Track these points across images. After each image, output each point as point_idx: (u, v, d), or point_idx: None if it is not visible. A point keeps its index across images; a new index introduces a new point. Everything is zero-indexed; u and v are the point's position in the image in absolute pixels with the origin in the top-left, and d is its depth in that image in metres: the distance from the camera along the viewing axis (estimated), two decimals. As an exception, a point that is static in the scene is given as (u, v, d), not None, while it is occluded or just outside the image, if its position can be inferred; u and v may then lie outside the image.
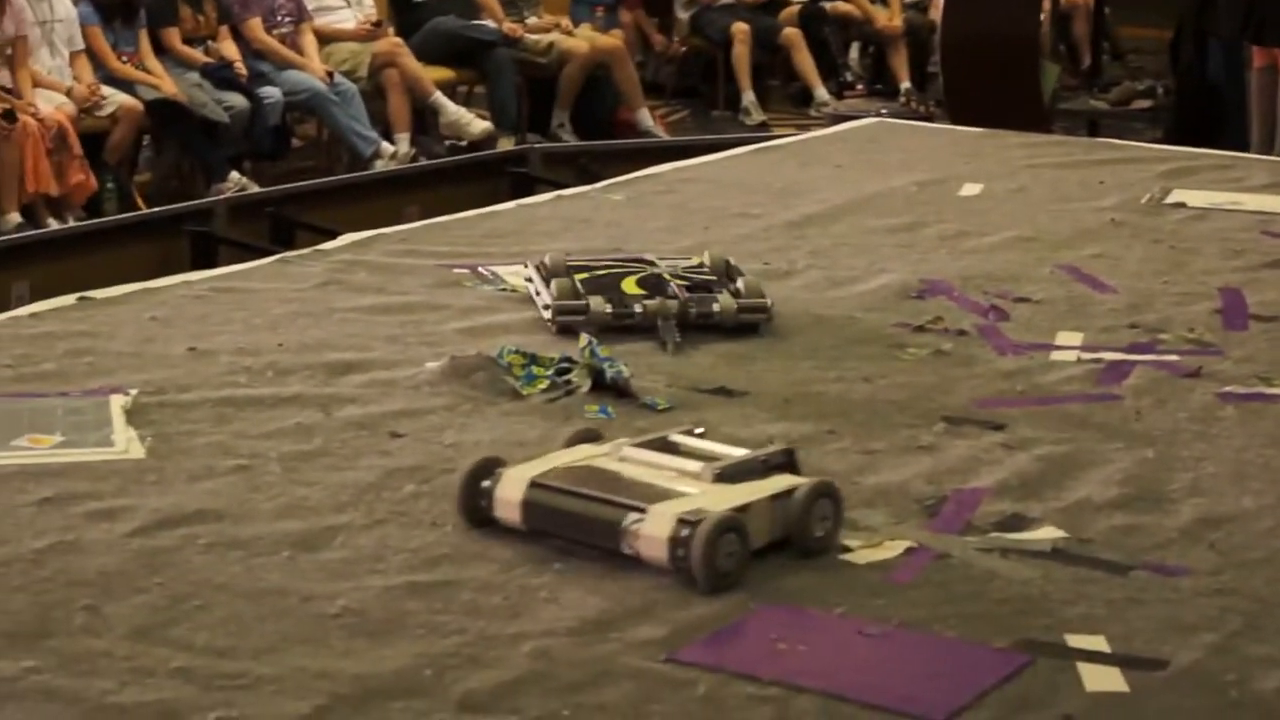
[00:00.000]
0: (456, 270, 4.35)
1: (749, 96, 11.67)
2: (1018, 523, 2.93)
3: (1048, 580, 2.73)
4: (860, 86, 12.14)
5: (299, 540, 2.80)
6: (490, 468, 2.87)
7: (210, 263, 6.20)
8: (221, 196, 8.14)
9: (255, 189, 8.53)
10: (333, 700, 2.32)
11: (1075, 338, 3.93)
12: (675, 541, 2.66)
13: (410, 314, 3.98)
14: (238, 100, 8.89)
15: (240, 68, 9.02)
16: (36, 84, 8.28)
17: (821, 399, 3.51)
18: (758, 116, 11.54)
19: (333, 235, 4.83)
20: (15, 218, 7.89)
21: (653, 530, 2.68)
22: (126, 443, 3.14)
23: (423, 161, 9.28)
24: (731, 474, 2.83)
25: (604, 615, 2.58)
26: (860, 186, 5.37)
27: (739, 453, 2.92)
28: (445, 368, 3.54)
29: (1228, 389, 3.57)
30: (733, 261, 4.11)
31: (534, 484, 2.82)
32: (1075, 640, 2.54)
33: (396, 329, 3.87)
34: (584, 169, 8.25)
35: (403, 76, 9.76)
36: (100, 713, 2.28)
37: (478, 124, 10.00)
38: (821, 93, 11.85)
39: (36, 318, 3.86)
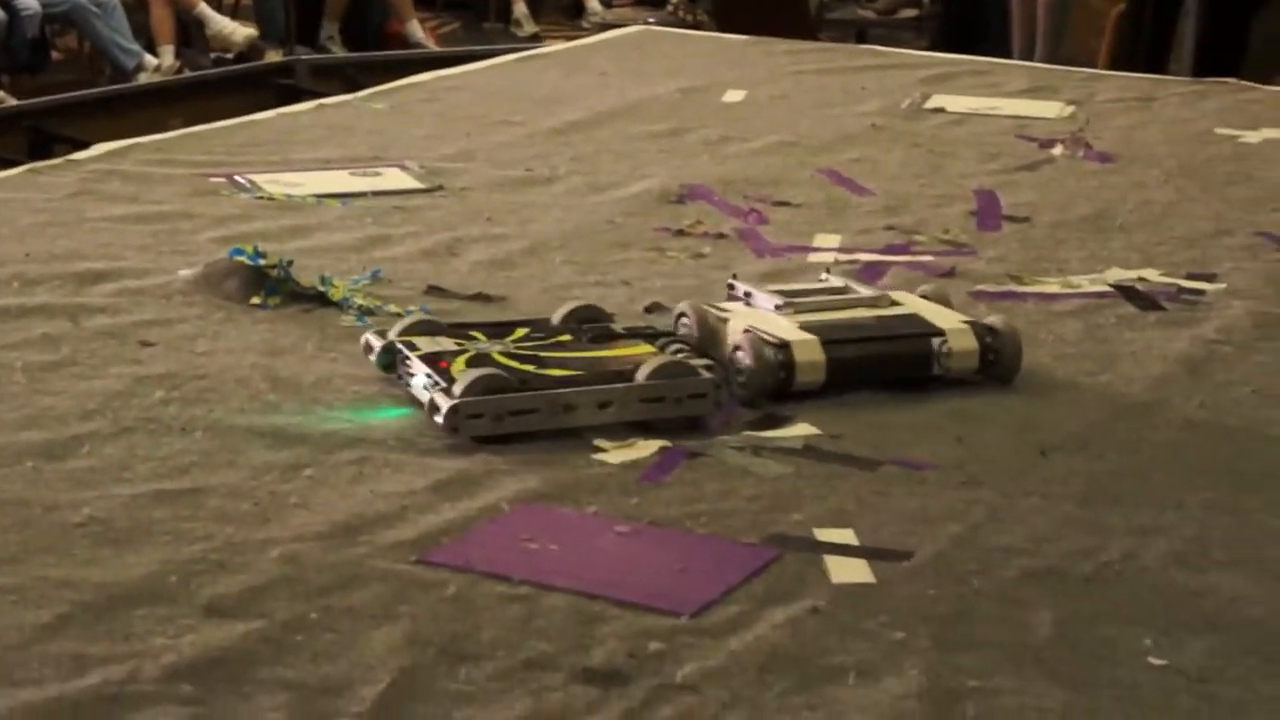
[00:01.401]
0: (213, 179, 4.28)
1: (520, 8, 11.62)
2: (771, 421, 2.96)
3: (799, 477, 2.76)
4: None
5: (43, 450, 2.75)
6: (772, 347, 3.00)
7: (-35, 176, 6.06)
8: (-24, 109, 7.94)
9: (13, 103, 8.34)
10: (75, 608, 2.28)
11: (833, 240, 3.96)
12: (985, 348, 3.10)
13: (164, 223, 3.92)
14: (-6, 10, 8.68)
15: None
16: None
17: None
18: (529, 28, 11.48)
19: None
20: None
21: (963, 345, 3.07)
22: None
23: (187, 74, 9.13)
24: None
25: (354, 519, 2.56)
26: (624, 93, 5.36)
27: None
28: (198, 275, 3.49)
29: (980, 287, 3.62)
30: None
31: (829, 342, 3.04)
32: (823, 534, 2.57)
33: (149, 238, 3.80)
34: (351, 80, 8.16)
35: (166, -13, 9.59)
36: None
37: (241, 31, 9.87)
38: (594, 4, 11.83)
39: None
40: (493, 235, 3.93)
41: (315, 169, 4.42)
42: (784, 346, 3.01)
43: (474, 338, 3.08)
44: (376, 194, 4.21)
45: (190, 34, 9.88)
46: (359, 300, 3.42)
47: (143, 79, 8.99)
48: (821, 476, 2.76)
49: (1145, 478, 2.78)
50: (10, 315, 3.29)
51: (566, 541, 2.54)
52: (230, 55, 9.67)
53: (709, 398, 2.92)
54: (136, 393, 2.98)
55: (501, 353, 3.01)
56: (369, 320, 3.33)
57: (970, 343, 3.10)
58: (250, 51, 9.77)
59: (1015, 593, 2.41)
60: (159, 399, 2.95)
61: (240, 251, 3.48)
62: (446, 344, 3.04)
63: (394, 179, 4.34)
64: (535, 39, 10.82)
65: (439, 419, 2.82)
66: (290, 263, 3.48)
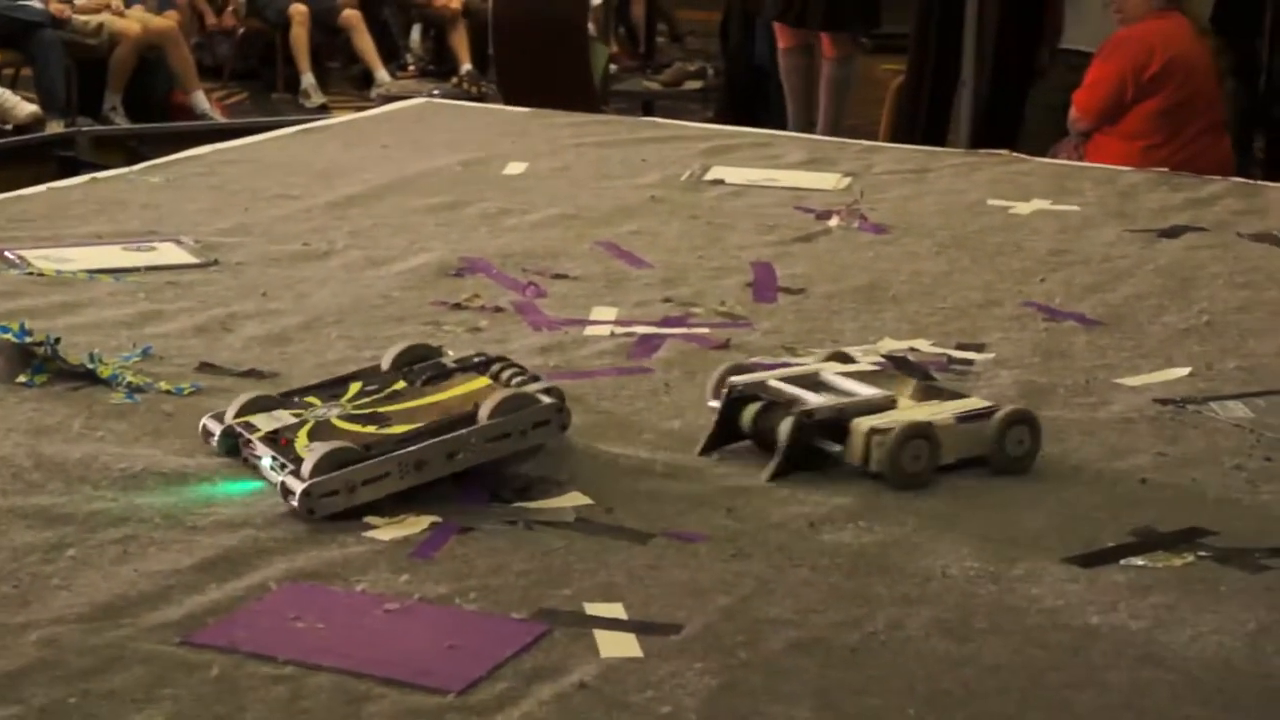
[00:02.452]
0: (-19, 254, 4.22)
1: (308, 79, 11.61)
2: (543, 491, 2.96)
3: (570, 550, 2.76)
4: (412, 68, 12.15)
5: None
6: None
7: None
8: None
9: None
10: None
11: (610, 313, 3.98)
12: None
13: (-70, 300, 3.85)
14: None
15: None
16: None
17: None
18: (317, 99, 11.48)
19: None
20: None
21: None
22: None
23: (-36, 146, 8.99)
24: None
25: (117, 600, 2.53)
26: (404, 166, 5.36)
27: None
28: (-39, 354, 3.43)
29: (753, 360, 3.65)
30: None
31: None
32: (593, 609, 2.57)
33: (-86, 315, 3.74)
34: (134, 152, 8.09)
35: (-58, 58, 9.46)
36: None
37: (24, 107, 9.76)
38: (383, 74, 11.85)
39: None
40: (268, 310, 3.90)
41: (88, 244, 4.36)
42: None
43: (310, 404, 3.05)
44: (150, 269, 4.17)
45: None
46: (129, 377, 3.38)
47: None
48: (593, 550, 2.76)
49: (911, 547, 2.81)
50: None
51: (334, 620, 2.52)
52: (9, 127, 9.54)
53: (553, 423, 2.95)
54: (-104, 474, 2.92)
55: (340, 416, 2.99)
56: (138, 398, 3.29)
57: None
58: (31, 124, 9.66)
59: (781, 664, 2.43)
60: (-81, 481, 2.90)
61: (6, 329, 3.43)
62: (285, 417, 3.01)
63: (168, 254, 4.30)
64: (323, 110, 10.81)
65: (294, 503, 2.80)
66: (58, 340, 3.43)
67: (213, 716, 2.25)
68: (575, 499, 2.93)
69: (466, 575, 2.66)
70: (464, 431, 2.91)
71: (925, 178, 5.44)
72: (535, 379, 3.09)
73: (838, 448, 3.06)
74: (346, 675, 2.36)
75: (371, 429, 2.96)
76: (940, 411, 3.11)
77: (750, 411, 3.13)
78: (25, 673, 2.32)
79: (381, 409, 3.03)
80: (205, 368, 3.51)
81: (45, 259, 4.19)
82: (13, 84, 10.17)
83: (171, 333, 3.72)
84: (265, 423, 3.01)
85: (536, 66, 8.47)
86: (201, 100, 10.66)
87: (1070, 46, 7.50)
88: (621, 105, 9.77)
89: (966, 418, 3.09)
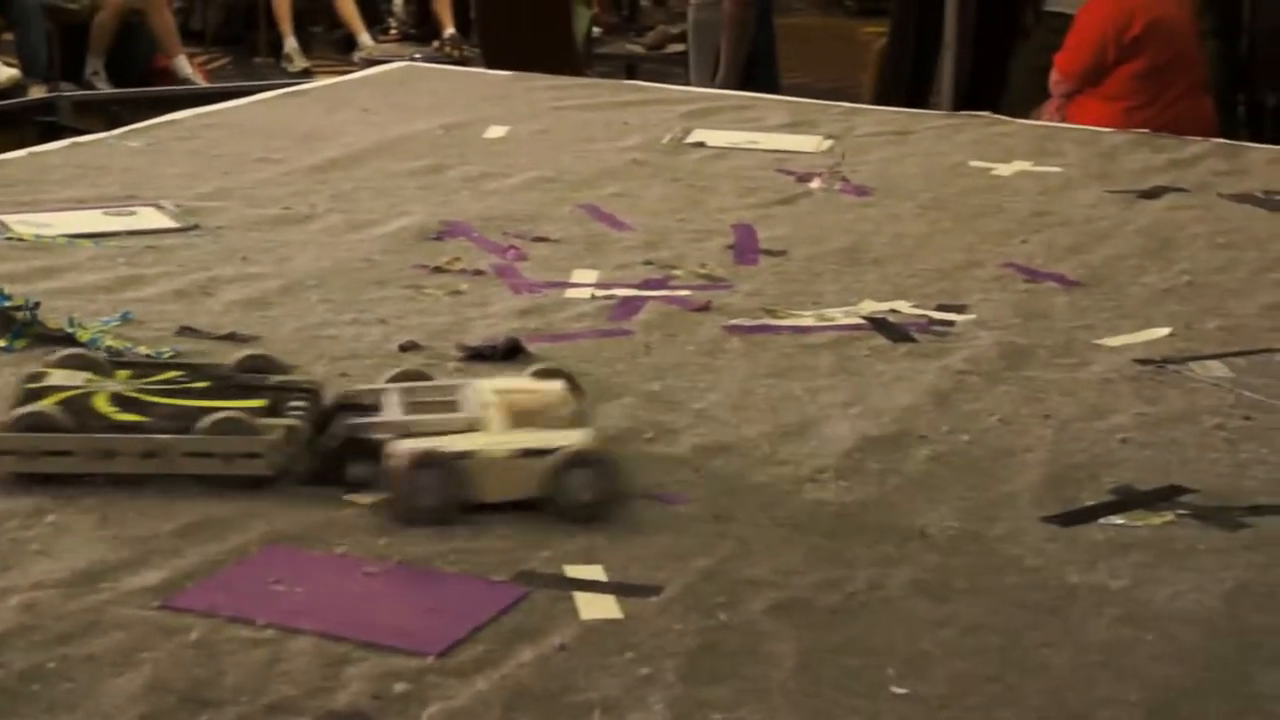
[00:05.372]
0: (-54, 221, 4.21)
1: (290, 43, 11.57)
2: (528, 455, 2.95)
3: (550, 514, 2.76)
4: (395, 31, 12.12)
5: None
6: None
7: None
8: None
9: None
10: None
11: (590, 275, 3.98)
12: None
13: (-92, 265, 3.84)
14: None
15: None
16: None
17: (335, 342, 3.48)
18: (300, 63, 11.44)
19: None
20: None
21: None
22: None
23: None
24: None
25: (96, 565, 2.53)
26: (385, 130, 5.34)
27: None
28: (-61, 320, 3.42)
29: (734, 322, 3.66)
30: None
31: None
32: (573, 571, 2.57)
33: (-108, 280, 3.73)
34: (115, 117, 8.07)
35: (-77, 23, 9.42)
36: None
37: (4, 72, 9.72)
38: (365, 39, 11.81)
39: None
40: (248, 275, 3.89)
41: (67, 209, 4.35)
42: None
43: (113, 375, 3.01)
44: (130, 234, 4.16)
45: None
46: (108, 342, 3.37)
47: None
48: (577, 512, 2.76)
49: (891, 508, 2.82)
50: None
51: (314, 583, 2.52)
52: (-10, 92, 9.53)
53: (265, 459, 2.79)
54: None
55: (111, 394, 2.93)
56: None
57: None
58: (12, 88, 9.63)
59: (761, 625, 2.43)
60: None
61: (-16, 294, 3.43)
62: (77, 379, 2.97)
63: (148, 218, 4.29)
64: (306, 74, 10.77)
65: None
66: (37, 304, 3.42)
67: (192, 680, 2.25)
68: (555, 461, 2.93)
69: (446, 538, 2.66)
70: (166, 436, 2.81)
71: (907, 140, 5.44)
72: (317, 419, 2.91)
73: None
74: (326, 638, 2.36)
75: (131, 416, 2.86)
76: (500, 443, 2.76)
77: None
78: (4, 637, 2.32)
79: (151, 398, 2.94)
80: (185, 331, 3.50)
81: (24, 223, 4.18)
82: (-6, 49, 10.14)
83: (151, 297, 3.71)
84: (61, 378, 2.96)
85: (519, 30, 8.44)
86: (184, 65, 10.62)
87: (1054, 9, 7.49)
88: (604, 69, 9.75)
89: (529, 453, 2.74)
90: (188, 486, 2.77)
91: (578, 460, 2.73)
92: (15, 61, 9.94)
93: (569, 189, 4.72)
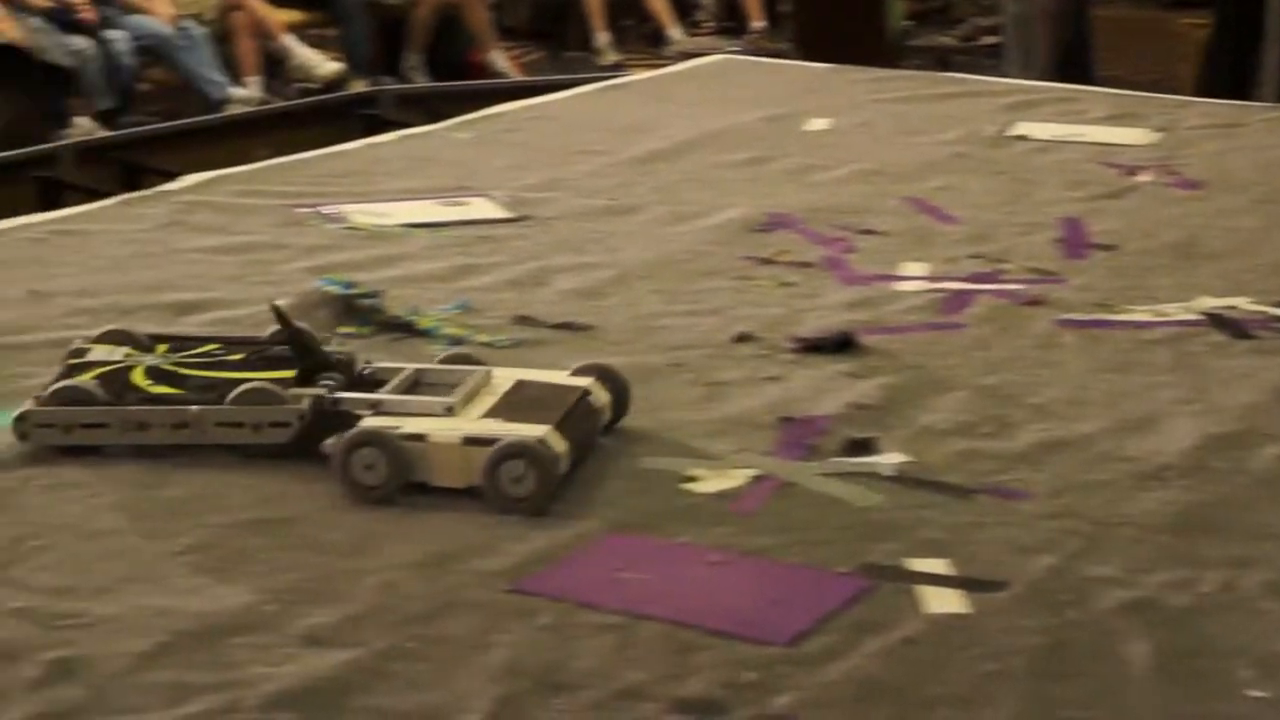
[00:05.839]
0: (300, 210, 4.31)
1: (602, 37, 11.67)
2: (863, 449, 2.95)
3: (891, 505, 2.75)
4: (709, 25, 12.17)
5: (138, 480, 2.77)
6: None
7: (57, 208, 6.12)
8: (66, 141, 8.03)
9: (103, 134, 8.43)
10: (174, 637, 2.30)
11: (920, 268, 3.96)
12: None
13: (254, 253, 3.95)
14: (83, 45, 8.77)
15: (87, 12, 8.89)
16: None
17: (669, 332, 3.51)
18: (611, 57, 11.54)
19: (180, 179, 4.78)
20: None
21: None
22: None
23: (274, 104, 9.21)
24: None
25: (446, 549, 2.58)
26: (707, 122, 5.37)
27: None
28: (289, 306, 3.50)
29: (1067, 316, 3.61)
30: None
31: None
32: (916, 564, 2.56)
33: (240, 269, 3.84)
34: (435, 110, 8.21)
35: (250, 19, 9.67)
36: (-64, 655, 2.25)
37: (328, 66, 9.95)
38: (675, 32, 11.87)
39: None
40: (579, 265, 3.94)
41: (401, 199, 4.45)
42: None
43: (151, 350, 3.07)
44: (463, 224, 4.24)
45: (275, 65, 9.96)
46: (448, 329, 3.44)
47: (230, 111, 9.07)
48: (913, 505, 2.75)
49: (1241, 507, 2.76)
50: (105, 345, 3.32)
51: (658, 571, 2.55)
52: (315, 86, 9.75)
53: (292, 427, 2.83)
54: (230, 422, 3.00)
55: (148, 368, 2.99)
56: (456, 350, 3.35)
57: None
58: (335, 83, 9.85)
59: (1111, 624, 2.40)
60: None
61: (331, 282, 3.51)
62: (117, 355, 3.03)
63: (480, 208, 4.37)
64: (617, 68, 10.85)
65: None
66: (381, 292, 3.50)
67: (544, 663, 2.28)
68: (895, 456, 2.92)
69: (786, 529, 2.67)
70: (195, 408, 2.85)
71: (1237, 132, 5.32)
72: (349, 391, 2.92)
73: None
74: (673, 625, 2.38)
75: (162, 388, 2.93)
76: (451, 428, 2.74)
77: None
78: (364, 616, 2.38)
79: (186, 371, 2.98)
80: (521, 320, 3.55)
81: (362, 213, 4.27)
82: (318, 44, 10.37)
83: (486, 286, 3.77)
84: (101, 354, 3.03)
85: (834, 22, 8.43)
86: (498, 59, 10.78)
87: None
88: (917, 61, 9.68)
89: (473, 441, 2.71)
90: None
91: (511, 452, 2.68)
92: (339, 56, 10.17)
93: (892, 182, 4.70)
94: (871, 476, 2.84)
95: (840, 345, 3.41)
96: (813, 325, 3.52)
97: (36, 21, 8.73)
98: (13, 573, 2.47)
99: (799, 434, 3.00)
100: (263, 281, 3.74)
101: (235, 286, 3.70)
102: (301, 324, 3.05)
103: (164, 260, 3.89)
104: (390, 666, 2.26)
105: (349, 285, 3.49)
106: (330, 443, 2.77)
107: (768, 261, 3.97)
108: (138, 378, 2.97)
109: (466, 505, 2.70)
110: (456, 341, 3.37)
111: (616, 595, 2.46)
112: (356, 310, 3.45)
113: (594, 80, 6.54)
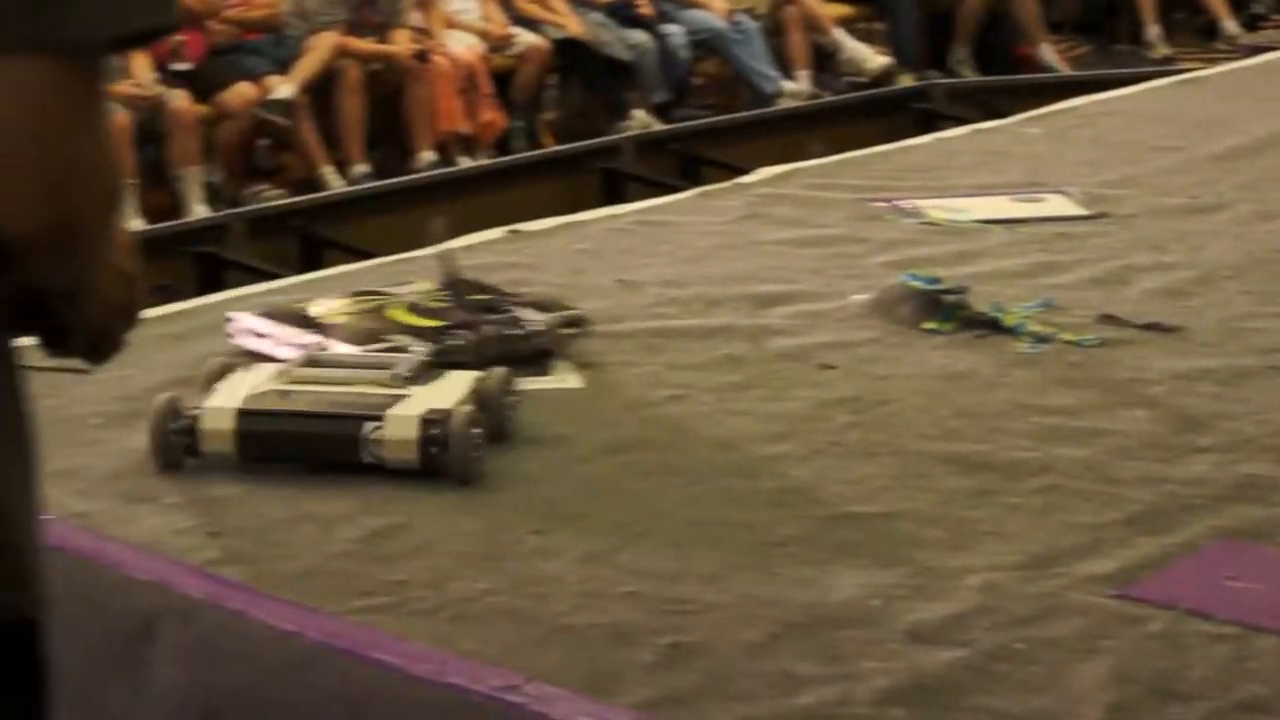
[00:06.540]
0: (875, 204, 4.32)
1: (1153, 30, 11.42)
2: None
3: None
4: (1274, 18, 11.80)
5: (736, 469, 2.81)
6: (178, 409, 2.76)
7: (619, 198, 6.28)
8: (628, 134, 8.24)
9: (659, 126, 8.62)
10: (782, 628, 2.32)
11: None
12: (427, 440, 2.70)
13: (832, 247, 3.97)
14: (642, 39, 8.98)
15: (646, 7, 9.10)
16: (449, 24, 8.47)
17: (1261, 335, 3.40)
18: (1162, 50, 11.29)
19: (738, 171, 4.84)
20: (429, 155, 8.09)
21: (400, 434, 2.70)
22: (565, 372, 3.19)
23: (824, 99, 9.29)
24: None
25: (1049, 550, 2.54)
26: (1288, 118, 5.20)
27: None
28: (871, 299, 3.52)
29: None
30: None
31: (243, 413, 2.76)
32: None
33: (820, 261, 3.86)
34: (987, 105, 8.16)
35: (802, 13, 9.76)
36: (556, 634, 2.32)
37: (877, 60, 9.97)
38: (1230, 25, 11.55)
39: (470, 249, 3.93)
40: (1162, 264, 3.85)
41: (975, 194, 4.41)
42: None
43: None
44: (1040, 220, 4.18)
45: (824, 59, 10.03)
46: (1033, 327, 3.39)
47: (781, 104, 9.18)
48: None
49: None
50: (695, 336, 3.38)
51: (1273, 581, 2.46)
52: (863, 80, 9.79)
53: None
54: (820, 416, 3.02)
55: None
56: (1043, 348, 3.30)
57: (409, 432, 2.71)
58: (883, 77, 9.87)
59: None
60: (843, 423, 2.98)
61: (915, 277, 3.50)
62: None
63: (1055, 205, 4.30)
64: (1167, 62, 10.62)
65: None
66: (966, 289, 3.48)
67: (1156, 671, 2.23)
68: None
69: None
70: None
71: None
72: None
73: None
74: (1291, 639, 2.30)
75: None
76: (400, 405, 2.74)
77: None
78: (967, 616, 2.36)
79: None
80: (1106, 319, 3.48)
81: (936, 208, 4.26)
82: (865, 38, 10.40)
83: (1068, 284, 3.71)
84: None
85: None
86: (1047, 52, 10.64)
87: None
88: None
89: (430, 420, 2.70)
90: (1130, 476, 2.75)
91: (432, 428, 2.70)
92: (887, 50, 10.19)
93: None
94: None
95: None
96: None
97: (598, 16, 8.97)
98: (621, 557, 2.53)
99: None
100: (842, 275, 3.75)
101: (818, 280, 3.72)
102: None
103: (745, 252, 3.94)
104: (998, 668, 2.24)
105: (934, 281, 3.47)
106: None
107: (1359, 263, 3.82)
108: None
109: (1064, 507, 2.66)
110: (1042, 340, 3.33)
111: (1229, 605, 2.38)
112: (941, 306, 3.44)
113: (1146, 75, 6.42)
